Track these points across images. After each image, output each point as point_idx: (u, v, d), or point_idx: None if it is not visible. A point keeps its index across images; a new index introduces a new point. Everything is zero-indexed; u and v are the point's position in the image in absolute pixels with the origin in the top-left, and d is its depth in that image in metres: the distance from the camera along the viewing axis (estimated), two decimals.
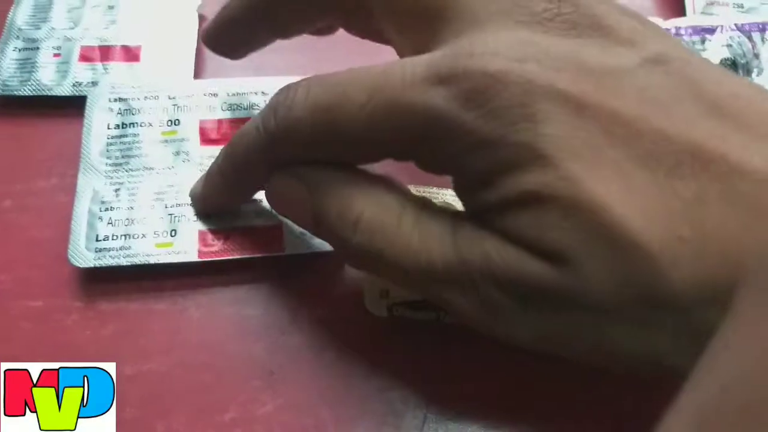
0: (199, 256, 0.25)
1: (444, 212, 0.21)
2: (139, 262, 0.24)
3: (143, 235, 0.25)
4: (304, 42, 0.32)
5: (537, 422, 0.23)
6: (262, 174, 0.23)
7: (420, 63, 0.19)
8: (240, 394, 0.23)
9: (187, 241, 0.25)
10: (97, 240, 0.25)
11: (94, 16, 0.32)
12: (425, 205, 0.21)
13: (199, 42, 0.31)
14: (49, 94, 0.29)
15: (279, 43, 0.32)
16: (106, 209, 0.25)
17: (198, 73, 0.31)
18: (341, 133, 0.20)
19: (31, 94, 0.29)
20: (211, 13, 0.33)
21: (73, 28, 0.31)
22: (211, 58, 0.32)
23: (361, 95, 0.19)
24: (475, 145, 0.18)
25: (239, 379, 0.23)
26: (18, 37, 0.31)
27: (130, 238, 0.25)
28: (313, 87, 0.21)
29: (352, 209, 0.20)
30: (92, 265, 0.24)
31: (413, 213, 0.20)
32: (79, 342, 0.24)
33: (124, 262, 0.24)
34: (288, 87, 0.21)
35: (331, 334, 0.24)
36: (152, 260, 0.24)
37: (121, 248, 0.24)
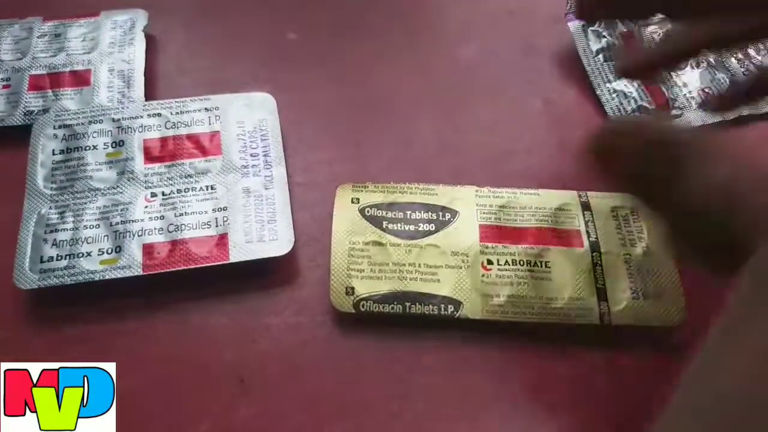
0: (143, 270, 0.25)
1: None
2: (83, 280, 0.25)
3: (88, 254, 0.25)
4: (256, 57, 0.33)
5: (510, 410, 0.23)
6: None
7: None
8: (214, 403, 0.23)
9: (131, 256, 0.25)
10: (41, 261, 0.25)
11: (42, 44, 0.32)
12: None
13: (147, 62, 0.32)
14: (1, 125, 0.29)
15: (231, 59, 0.32)
16: (51, 231, 0.26)
17: (150, 93, 0.31)
18: None
19: None
20: (158, 32, 0.33)
21: (21, 59, 0.31)
22: (162, 77, 0.32)
23: None
24: None
25: (212, 389, 0.23)
26: None
27: (74, 257, 0.25)
28: None
29: None
30: (36, 287, 0.24)
31: None
32: None
33: (68, 281, 0.24)
34: None
35: (299, 338, 0.25)
36: (97, 277, 0.25)
37: (65, 268, 0.25)
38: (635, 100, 0.31)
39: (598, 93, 0.31)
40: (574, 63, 0.32)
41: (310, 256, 0.26)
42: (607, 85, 0.31)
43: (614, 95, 0.31)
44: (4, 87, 0.30)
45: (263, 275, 0.26)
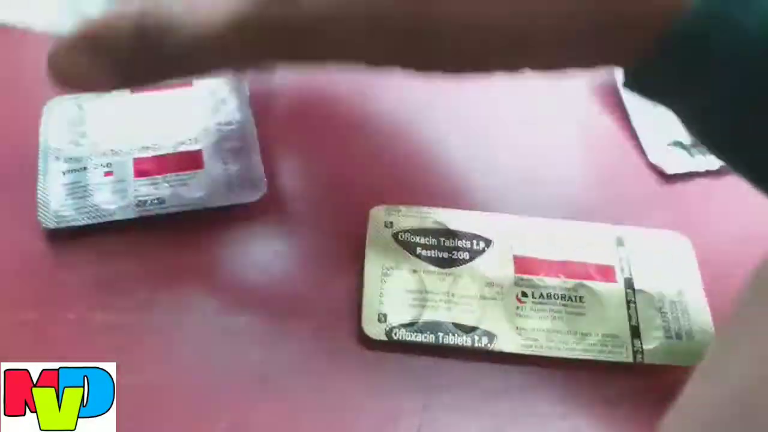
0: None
1: None
2: None
3: None
4: None
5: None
6: None
7: None
8: (234, 401, 0.23)
9: None
10: None
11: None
12: None
13: None
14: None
15: None
16: None
17: None
18: None
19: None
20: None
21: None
22: None
23: None
24: None
25: (233, 386, 0.23)
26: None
27: None
28: None
29: None
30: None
31: None
32: (73, 356, 0.23)
33: None
34: None
35: (324, 342, 0.24)
36: None
37: None
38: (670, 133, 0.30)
39: (633, 123, 0.31)
40: (611, 90, 0.32)
41: (338, 264, 0.26)
42: (644, 116, 0.31)
43: (651, 126, 0.31)
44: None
45: (290, 277, 0.26)
